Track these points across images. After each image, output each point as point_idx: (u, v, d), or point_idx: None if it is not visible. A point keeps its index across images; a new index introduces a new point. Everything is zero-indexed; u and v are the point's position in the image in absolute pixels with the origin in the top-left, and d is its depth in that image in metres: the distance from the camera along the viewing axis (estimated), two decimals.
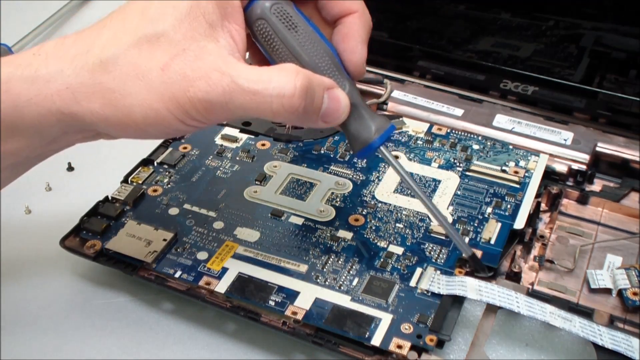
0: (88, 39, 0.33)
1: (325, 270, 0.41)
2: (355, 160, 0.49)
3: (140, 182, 0.47)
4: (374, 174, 0.48)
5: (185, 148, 0.50)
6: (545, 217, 0.46)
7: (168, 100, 0.32)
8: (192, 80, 0.32)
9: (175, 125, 0.33)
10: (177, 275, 0.40)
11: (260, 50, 0.36)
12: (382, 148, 0.36)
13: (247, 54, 0.35)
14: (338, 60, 0.35)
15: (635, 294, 0.39)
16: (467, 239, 0.42)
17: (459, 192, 0.46)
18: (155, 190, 0.47)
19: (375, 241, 0.43)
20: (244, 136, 0.51)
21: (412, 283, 0.40)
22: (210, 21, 0.32)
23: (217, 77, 0.32)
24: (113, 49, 0.32)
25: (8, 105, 0.33)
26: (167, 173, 0.48)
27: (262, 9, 0.34)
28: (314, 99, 0.33)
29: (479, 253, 0.41)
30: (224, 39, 0.33)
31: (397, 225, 0.44)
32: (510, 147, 0.50)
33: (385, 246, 0.42)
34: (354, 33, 0.35)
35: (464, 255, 0.39)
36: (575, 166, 0.49)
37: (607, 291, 0.40)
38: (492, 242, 0.42)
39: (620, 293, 0.40)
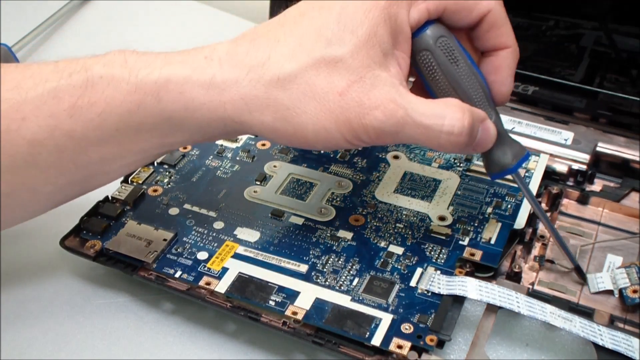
0: (263, 50, 0.35)
1: (325, 270, 0.41)
2: (356, 160, 0.49)
3: (140, 182, 0.47)
4: (374, 174, 0.48)
5: (185, 148, 0.50)
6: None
7: (342, 123, 0.34)
8: (368, 108, 0.34)
9: (341, 144, 0.35)
10: (177, 275, 0.40)
11: (419, 76, 0.38)
12: (515, 174, 0.39)
13: None
14: (487, 89, 0.37)
15: (635, 291, 0.39)
16: (467, 239, 0.42)
17: (459, 192, 0.46)
18: (155, 190, 0.47)
19: (376, 241, 0.43)
20: (244, 136, 0.51)
21: (413, 283, 0.40)
22: (384, 50, 0.34)
23: (392, 109, 0.33)
24: (291, 67, 0.34)
25: (180, 107, 0.35)
26: (167, 173, 0.48)
27: (428, 41, 0.36)
28: (473, 134, 0.35)
29: (479, 253, 0.41)
30: (394, 67, 0.35)
31: (398, 225, 0.44)
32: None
33: (386, 246, 0.42)
34: (507, 67, 0.38)
35: (568, 266, 0.41)
36: (575, 166, 0.49)
37: (609, 292, 0.40)
38: (493, 242, 0.42)
39: (620, 292, 0.40)
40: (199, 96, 0.35)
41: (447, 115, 0.34)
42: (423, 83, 0.38)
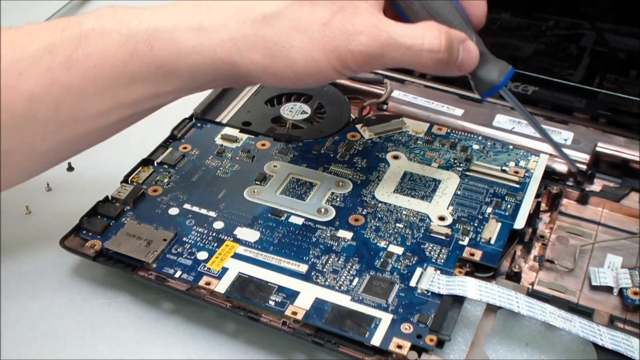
0: None
1: (325, 270, 0.41)
2: (355, 160, 0.49)
3: (140, 182, 0.47)
4: (374, 174, 0.48)
5: (185, 148, 0.50)
6: (546, 217, 0.46)
7: (329, 52, 0.36)
8: (352, 34, 0.36)
9: (330, 75, 0.37)
10: (177, 275, 0.40)
11: (395, 8, 0.40)
12: (503, 89, 0.41)
13: None
14: (464, 14, 0.40)
15: (635, 293, 0.39)
16: (467, 239, 0.42)
17: (459, 192, 0.46)
18: (155, 190, 0.47)
19: (375, 241, 0.43)
20: (244, 136, 0.51)
21: (412, 283, 0.40)
22: None
23: (376, 32, 0.36)
24: (275, 5, 0.36)
25: (172, 52, 0.36)
26: (167, 173, 0.48)
27: None
28: (453, 52, 0.37)
29: (478, 253, 0.41)
30: None
31: (397, 225, 0.44)
32: (511, 147, 0.50)
33: (385, 246, 0.42)
34: None
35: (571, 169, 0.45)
36: None
37: (608, 290, 0.40)
38: (492, 242, 0.42)
39: (621, 292, 0.40)
40: (189, 41, 0.36)
41: (426, 34, 0.36)
42: (399, 12, 0.40)
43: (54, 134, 0.37)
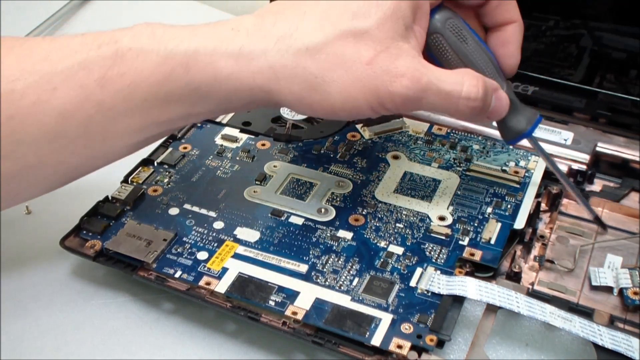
0: (290, 22, 0.36)
1: (325, 270, 0.41)
2: (355, 160, 0.49)
3: (140, 182, 0.47)
4: (374, 174, 0.48)
5: (185, 148, 0.50)
6: (546, 217, 0.46)
7: (369, 91, 0.36)
8: (395, 76, 0.35)
9: (366, 113, 0.37)
10: (177, 275, 0.40)
11: (428, 55, 0.40)
12: (531, 138, 0.42)
13: None
14: (496, 62, 0.41)
15: (635, 293, 0.39)
16: (467, 239, 0.42)
17: (459, 192, 0.46)
18: (155, 190, 0.47)
19: (375, 241, 0.43)
20: (244, 136, 0.51)
21: (412, 283, 0.40)
22: (406, 24, 0.37)
23: (418, 76, 0.36)
24: (318, 37, 0.36)
25: (209, 77, 0.36)
26: (167, 173, 0.48)
27: (437, 24, 0.39)
28: (487, 101, 0.38)
29: (479, 253, 0.41)
30: (413, 40, 0.37)
31: (397, 225, 0.44)
32: (511, 147, 0.50)
33: (385, 246, 0.42)
34: (514, 41, 0.41)
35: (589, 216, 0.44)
36: (575, 166, 0.49)
37: (608, 290, 0.40)
38: (492, 242, 0.42)
39: (621, 292, 0.40)
40: (227, 66, 0.36)
41: (465, 82, 0.36)
42: (432, 59, 0.40)
43: (83, 150, 0.37)
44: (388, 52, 0.36)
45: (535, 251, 0.43)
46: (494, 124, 0.43)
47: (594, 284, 0.40)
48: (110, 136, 0.37)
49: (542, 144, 0.50)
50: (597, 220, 0.44)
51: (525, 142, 0.50)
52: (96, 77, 0.35)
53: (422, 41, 0.38)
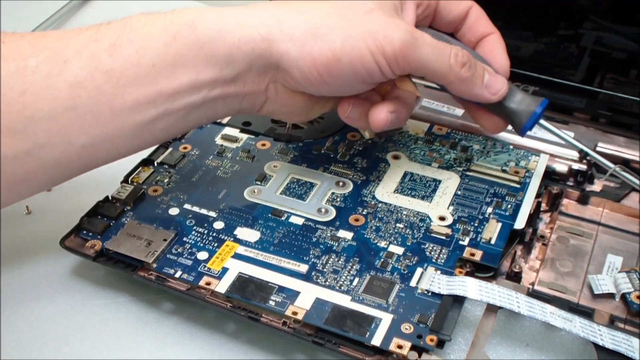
0: None
1: (325, 270, 0.41)
2: (356, 160, 0.49)
3: (140, 182, 0.47)
4: (374, 174, 0.48)
5: (185, 148, 0.50)
6: (546, 217, 0.46)
7: (368, 34, 0.37)
8: (390, 26, 0.38)
9: (369, 63, 0.38)
10: (177, 275, 0.40)
11: None
12: (542, 120, 0.42)
13: None
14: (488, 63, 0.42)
15: (639, 297, 0.39)
16: (467, 239, 0.42)
17: (459, 192, 0.46)
18: (155, 190, 0.47)
19: (376, 241, 0.43)
20: (244, 136, 0.51)
21: (413, 283, 0.40)
22: (396, 9, 0.40)
23: (412, 30, 0.38)
24: None
25: (214, 30, 0.37)
26: (167, 173, 0.48)
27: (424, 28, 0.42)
28: (477, 69, 0.40)
29: (479, 253, 0.41)
30: (406, 17, 0.41)
31: (398, 225, 0.44)
32: (511, 147, 0.50)
33: (386, 246, 0.42)
34: (498, 46, 0.44)
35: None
36: (575, 166, 0.49)
37: (610, 297, 0.40)
38: (493, 242, 0.42)
39: (623, 297, 0.40)
40: (231, 19, 0.37)
41: (455, 47, 0.40)
42: None
43: (91, 127, 0.37)
44: (383, 10, 0.39)
45: (536, 251, 0.43)
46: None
47: (595, 292, 0.40)
48: (118, 111, 0.37)
49: (545, 144, 0.50)
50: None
51: (525, 142, 0.51)
52: (106, 46, 0.36)
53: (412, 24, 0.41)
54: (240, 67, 0.38)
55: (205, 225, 0.44)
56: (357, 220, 0.44)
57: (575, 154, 0.49)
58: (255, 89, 0.40)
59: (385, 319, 0.38)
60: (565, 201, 0.47)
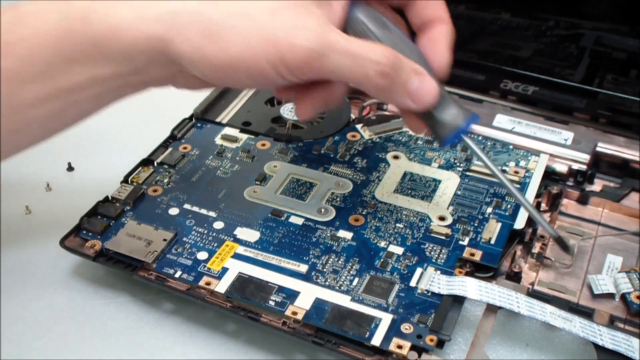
0: None
1: (325, 270, 0.41)
2: (356, 160, 0.49)
3: (140, 182, 0.47)
4: (374, 174, 0.48)
5: (185, 148, 0.50)
6: (546, 217, 0.46)
7: (269, 42, 0.33)
8: (298, 29, 0.33)
9: (265, 70, 0.34)
10: (177, 275, 0.40)
11: None
12: (466, 137, 0.38)
13: None
14: (425, 60, 0.38)
15: (639, 297, 0.39)
16: (467, 239, 0.42)
17: (459, 192, 0.46)
18: (155, 190, 0.47)
19: (376, 241, 0.43)
20: (244, 136, 0.51)
21: (412, 283, 0.40)
22: (317, 2, 0.35)
23: (324, 32, 0.34)
24: None
25: (108, 28, 0.34)
26: (167, 173, 0.48)
27: (360, 12, 0.37)
28: (402, 73, 0.35)
29: (479, 253, 0.41)
30: (328, 10, 0.35)
31: (397, 225, 0.44)
32: (511, 147, 0.50)
33: (386, 246, 0.42)
34: (442, 39, 0.38)
35: (550, 235, 0.41)
36: (575, 166, 0.49)
37: (610, 297, 0.40)
38: (492, 242, 0.42)
39: (623, 297, 0.40)
40: (126, 14, 0.34)
41: (376, 49, 0.35)
42: None
43: None
44: (295, 8, 0.34)
45: (536, 251, 0.43)
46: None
47: (595, 292, 0.40)
48: (18, 107, 0.35)
49: (545, 144, 0.50)
50: (559, 240, 0.40)
51: (525, 143, 0.51)
52: None
53: (338, 18, 0.36)
54: (139, 62, 0.36)
55: (205, 225, 0.44)
56: (357, 220, 0.44)
57: (575, 154, 0.49)
58: (161, 76, 0.37)
59: (385, 319, 0.38)
60: (565, 201, 0.47)
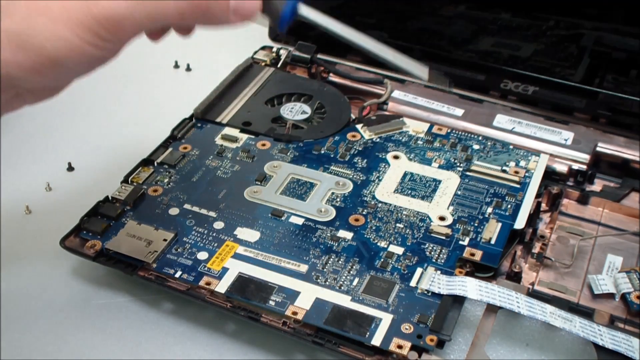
0: None
1: (325, 270, 0.41)
2: (356, 160, 0.49)
3: (140, 182, 0.47)
4: (374, 174, 0.48)
5: (185, 148, 0.50)
6: (546, 217, 0.46)
7: (75, 25, 0.32)
8: (92, 1, 0.32)
9: (89, 51, 0.33)
10: (177, 275, 0.40)
11: None
12: (302, 7, 0.34)
13: None
14: None
15: (639, 297, 0.39)
16: (467, 239, 0.42)
17: (459, 192, 0.46)
18: (155, 191, 0.47)
19: (376, 241, 0.43)
20: (244, 136, 0.51)
21: (413, 283, 0.40)
22: None
23: None
24: None
25: None
26: (167, 173, 0.48)
27: None
28: (212, 6, 0.33)
29: (479, 253, 0.41)
30: None
31: (398, 225, 0.44)
32: (511, 147, 0.50)
33: (386, 246, 0.42)
34: None
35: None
36: (575, 166, 0.49)
37: (610, 297, 0.40)
38: (493, 242, 0.42)
39: (623, 297, 0.40)
40: None
41: None
42: None
43: None
44: None
45: (536, 251, 0.43)
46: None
47: (595, 292, 0.40)
48: None
49: (545, 144, 0.50)
50: (432, 74, 0.36)
51: (525, 143, 0.51)
52: None
53: None
54: None
55: (206, 225, 0.44)
56: (357, 220, 0.44)
57: (575, 154, 0.49)
58: (5, 101, 0.35)
59: (385, 319, 0.38)
60: (565, 201, 0.47)
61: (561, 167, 0.49)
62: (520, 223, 0.43)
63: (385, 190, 0.46)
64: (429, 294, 0.39)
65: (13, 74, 0.33)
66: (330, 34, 0.36)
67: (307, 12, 0.35)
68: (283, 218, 0.44)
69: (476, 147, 0.50)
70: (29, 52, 0.33)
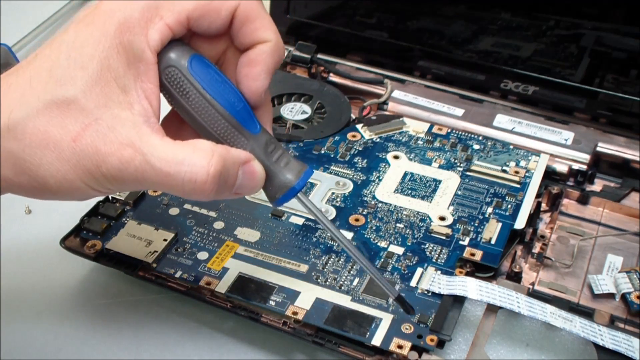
0: None
1: (325, 270, 0.41)
2: (356, 160, 0.49)
3: None
4: (374, 174, 0.48)
5: None
6: (546, 217, 0.46)
7: (81, 172, 0.31)
8: (104, 155, 0.30)
9: (91, 194, 0.32)
10: (177, 275, 0.40)
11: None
12: (301, 195, 0.33)
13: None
14: (240, 118, 0.32)
15: (639, 297, 0.39)
16: (467, 239, 0.42)
17: (459, 192, 0.46)
18: (155, 190, 0.47)
19: (376, 241, 0.43)
20: None
21: (413, 283, 0.40)
22: (122, 85, 0.31)
23: (129, 155, 0.30)
24: (20, 113, 0.30)
25: None
26: None
27: (160, 75, 0.32)
28: (227, 181, 0.31)
29: (479, 253, 0.41)
30: (138, 103, 0.31)
31: (398, 225, 0.44)
32: (511, 147, 0.50)
33: (386, 246, 0.42)
34: (260, 60, 0.33)
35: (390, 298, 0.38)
36: (575, 166, 0.49)
37: (610, 296, 0.40)
38: (493, 242, 0.42)
39: (623, 297, 0.40)
40: None
41: (187, 161, 0.30)
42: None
43: None
44: (97, 125, 0.30)
45: (536, 251, 0.43)
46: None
47: (596, 292, 0.40)
48: None
49: (545, 144, 0.50)
50: (400, 300, 0.36)
51: (525, 143, 0.51)
52: None
53: (155, 97, 0.31)
54: None
55: (206, 225, 0.44)
56: (357, 220, 0.44)
57: (575, 154, 0.49)
58: None
59: (386, 319, 0.38)
60: (565, 201, 0.47)
61: (561, 167, 0.49)
62: (520, 223, 0.43)
63: (386, 190, 0.46)
64: (429, 294, 0.39)
65: (11, 189, 0.32)
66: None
67: (303, 199, 0.34)
68: (283, 218, 0.44)
69: (476, 147, 0.50)
70: (32, 180, 0.31)
